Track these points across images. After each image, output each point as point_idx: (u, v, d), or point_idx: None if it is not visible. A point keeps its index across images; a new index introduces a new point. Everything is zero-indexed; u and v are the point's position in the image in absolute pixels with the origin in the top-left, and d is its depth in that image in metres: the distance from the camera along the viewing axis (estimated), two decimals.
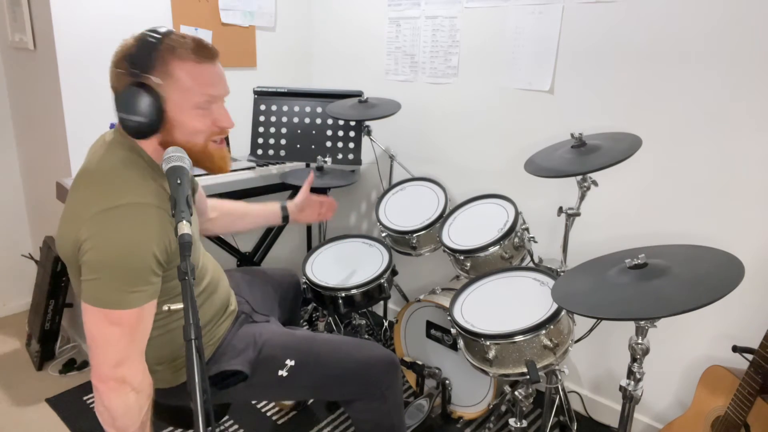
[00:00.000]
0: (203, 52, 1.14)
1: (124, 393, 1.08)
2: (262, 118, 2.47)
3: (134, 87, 1.10)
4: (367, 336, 2.53)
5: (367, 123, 2.41)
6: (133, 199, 1.08)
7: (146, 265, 1.06)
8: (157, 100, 1.10)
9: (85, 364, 2.38)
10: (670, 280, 1.16)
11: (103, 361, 1.07)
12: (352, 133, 2.47)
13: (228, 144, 1.32)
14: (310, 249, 2.32)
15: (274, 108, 2.48)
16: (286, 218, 1.76)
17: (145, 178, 1.13)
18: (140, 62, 1.10)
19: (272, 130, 2.47)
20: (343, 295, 1.90)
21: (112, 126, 1.31)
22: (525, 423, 1.63)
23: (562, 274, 1.76)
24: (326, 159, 2.36)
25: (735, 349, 1.60)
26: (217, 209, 1.67)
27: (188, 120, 1.14)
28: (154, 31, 1.13)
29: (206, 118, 1.16)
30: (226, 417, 2.09)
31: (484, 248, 1.80)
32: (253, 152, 2.46)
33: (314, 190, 2.51)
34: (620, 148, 1.56)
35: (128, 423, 1.10)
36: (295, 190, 2.78)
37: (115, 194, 1.08)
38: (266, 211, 1.75)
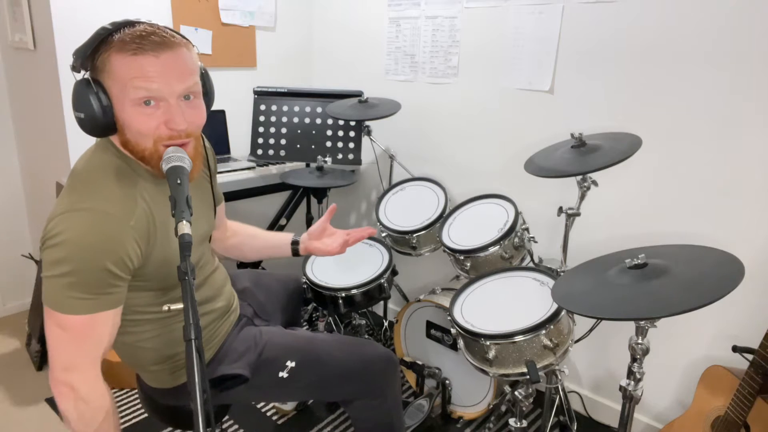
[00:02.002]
0: (141, 43, 1.01)
1: (72, 399, 1.05)
2: (262, 118, 2.47)
3: (78, 81, 1.05)
4: (367, 336, 2.53)
5: (367, 123, 2.41)
6: (95, 205, 1.03)
7: (95, 274, 1.01)
8: (98, 95, 1.03)
9: None
10: (670, 280, 1.16)
11: (55, 363, 1.05)
12: (352, 133, 2.47)
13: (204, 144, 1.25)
14: None
15: (274, 108, 2.48)
16: (296, 252, 1.55)
17: (123, 185, 1.08)
18: (83, 55, 1.04)
19: (272, 130, 2.47)
20: (343, 295, 1.90)
21: None
22: (525, 423, 1.63)
23: (562, 274, 1.76)
24: (326, 159, 2.36)
25: (735, 349, 1.60)
26: (233, 231, 1.58)
27: (130, 119, 1.04)
28: (113, 22, 1.05)
29: (152, 118, 1.04)
30: (226, 417, 2.09)
31: (484, 248, 1.80)
32: (253, 152, 2.46)
33: (314, 190, 2.52)
34: (620, 148, 1.56)
35: (82, 430, 1.07)
36: (294, 189, 2.79)
37: (80, 197, 1.04)
38: (276, 238, 1.58)
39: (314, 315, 2.63)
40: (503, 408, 2.04)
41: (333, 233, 1.53)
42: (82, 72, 1.06)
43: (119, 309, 1.09)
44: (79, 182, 1.08)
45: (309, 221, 2.74)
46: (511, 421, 1.63)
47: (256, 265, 2.71)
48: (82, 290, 1.01)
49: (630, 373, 1.33)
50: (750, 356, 1.46)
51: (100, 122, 1.05)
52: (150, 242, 1.10)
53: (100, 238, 1.01)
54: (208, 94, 1.17)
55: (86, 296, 1.02)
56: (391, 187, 2.34)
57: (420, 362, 2.11)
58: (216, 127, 2.55)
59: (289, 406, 2.13)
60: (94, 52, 1.04)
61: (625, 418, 1.38)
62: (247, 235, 1.60)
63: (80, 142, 2.17)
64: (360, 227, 1.60)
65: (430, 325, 2.08)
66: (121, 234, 1.04)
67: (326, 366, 1.41)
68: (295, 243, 1.54)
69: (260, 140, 2.46)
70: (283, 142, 2.47)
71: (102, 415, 1.09)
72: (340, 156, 2.46)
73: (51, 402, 2.16)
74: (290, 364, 1.37)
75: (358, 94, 2.44)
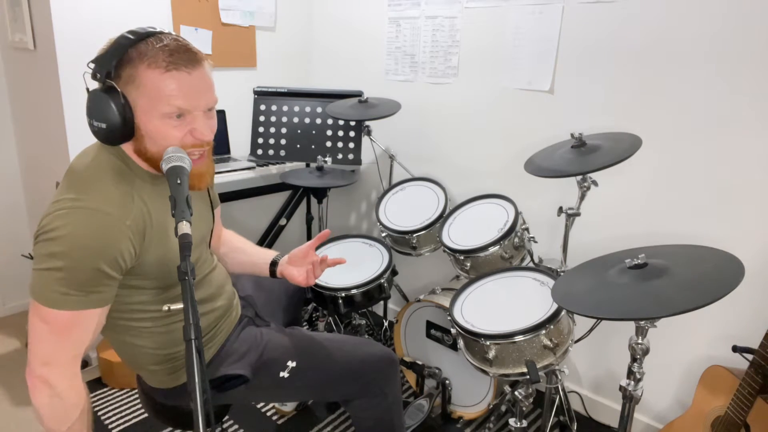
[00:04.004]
0: (174, 59, 1.04)
1: (46, 395, 1.05)
2: (262, 118, 2.47)
3: (98, 90, 1.05)
4: (367, 336, 2.53)
5: (367, 123, 2.41)
6: (94, 204, 1.03)
7: (87, 273, 1.01)
8: (121, 106, 1.04)
9: (84, 363, 2.38)
10: (670, 280, 1.16)
11: (33, 357, 1.05)
12: (352, 133, 2.47)
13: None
14: None
15: (274, 108, 2.48)
16: (273, 273, 1.48)
17: (120, 184, 1.09)
18: (107, 64, 1.04)
19: (272, 130, 2.47)
20: (343, 295, 1.90)
21: None
22: (525, 423, 1.63)
23: (562, 274, 1.76)
24: (326, 159, 2.36)
25: (735, 349, 1.60)
26: (224, 239, 1.56)
27: (156, 130, 1.06)
28: (134, 32, 1.06)
29: (179, 128, 1.08)
30: (226, 417, 2.09)
31: (484, 248, 1.80)
32: (253, 152, 2.46)
33: (314, 190, 2.52)
34: (620, 148, 1.56)
35: (54, 426, 1.07)
36: (295, 189, 2.79)
37: (79, 194, 1.05)
38: (258, 256, 1.53)
39: (314, 315, 2.63)
40: (503, 408, 2.04)
41: (314, 260, 1.44)
42: (104, 80, 1.05)
43: (106, 308, 1.10)
44: (77, 180, 1.08)
45: (309, 221, 2.75)
46: (511, 421, 1.63)
47: None
48: (72, 287, 1.01)
49: (630, 373, 1.34)
50: (750, 356, 1.46)
51: (120, 132, 1.07)
52: (146, 241, 1.10)
53: (97, 238, 1.02)
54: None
55: (75, 293, 1.02)
56: (391, 187, 2.34)
57: (420, 362, 2.11)
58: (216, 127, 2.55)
59: (289, 406, 2.13)
60: (118, 62, 1.04)
61: (625, 418, 1.38)
62: (233, 247, 1.55)
63: (80, 142, 2.15)
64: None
65: (430, 325, 2.08)
66: (118, 234, 1.05)
67: (327, 366, 1.41)
68: (273, 264, 1.48)
69: (260, 140, 2.46)
70: (283, 142, 2.47)
71: (77, 414, 1.09)
72: (340, 156, 2.46)
73: None
74: (291, 364, 1.38)
75: (358, 94, 2.44)
